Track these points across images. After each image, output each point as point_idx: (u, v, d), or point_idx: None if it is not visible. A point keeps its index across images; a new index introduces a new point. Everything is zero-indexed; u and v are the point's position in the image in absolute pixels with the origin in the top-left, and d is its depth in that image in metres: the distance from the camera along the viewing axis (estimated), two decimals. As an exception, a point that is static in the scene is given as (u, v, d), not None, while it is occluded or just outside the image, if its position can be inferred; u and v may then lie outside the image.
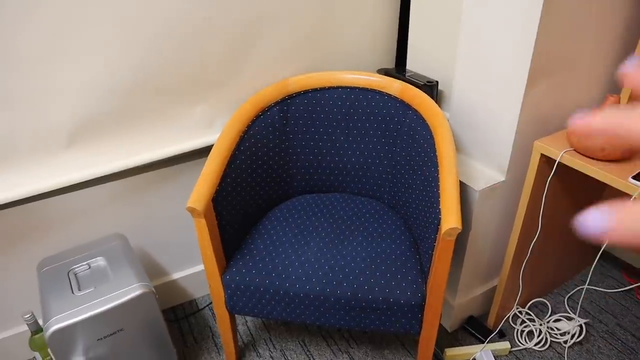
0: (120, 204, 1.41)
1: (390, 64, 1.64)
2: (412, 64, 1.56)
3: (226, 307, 1.25)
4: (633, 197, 0.99)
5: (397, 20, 1.56)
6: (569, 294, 1.63)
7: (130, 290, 1.15)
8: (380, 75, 1.38)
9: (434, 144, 1.24)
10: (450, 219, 0.99)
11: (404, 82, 1.36)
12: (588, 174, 1.08)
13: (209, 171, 1.17)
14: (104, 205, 1.39)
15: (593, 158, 1.09)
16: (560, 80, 1.20)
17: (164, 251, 1.56)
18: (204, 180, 1.15)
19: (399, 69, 1.58)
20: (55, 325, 1.07)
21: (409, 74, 1.50)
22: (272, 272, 1.19)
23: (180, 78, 1.31)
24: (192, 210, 1.09)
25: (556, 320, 1.51)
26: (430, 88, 1.41)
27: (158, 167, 1.42)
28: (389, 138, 1.39)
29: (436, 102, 1.46)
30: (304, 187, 1.49)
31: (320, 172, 1.47)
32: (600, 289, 1.65)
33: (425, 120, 1.29)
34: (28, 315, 1.21)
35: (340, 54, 1.52)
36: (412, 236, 1.29)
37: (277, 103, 1.38)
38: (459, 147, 1.41)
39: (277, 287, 1.18)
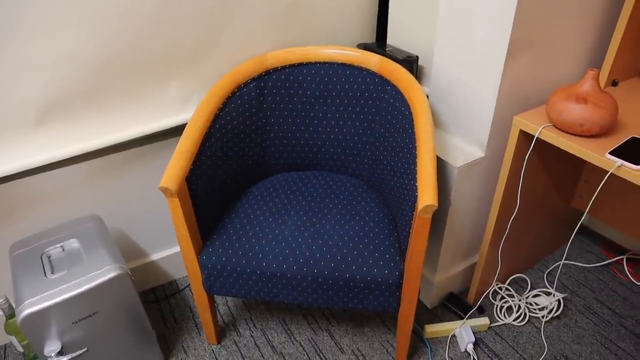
0: (95, 184, 1.38)
1: (370, 38, 1.60)
2: (393, 39, 1.53)
3: (204, 288, 1.24)
4: (609, 172, 0.99)
5: (377, -6, 1.52)
6: (549, 270, 1.64)
7: (104, 272, 1.13)
8: (359, 50, 1.35)
9: (412, 120, 1.22)
10: (426, 196, 0.98)
11: (383, 57, 1.33)
12: (566, 149, 1.07)
13: (182, 149, 1.14)
14: (78, 185, 1.35)
15: (572, 134, 1.08)
16: (541, 54, 1.18)
17: (142, 232, 1.54)
18: (176, 159, 1.12)
19: (379, 43, 1.55)
20: (27, 309, 1.05)
21: (389, 48, 1.47)
22: (248, 252, 1.18)
23: (153, 54, 1.26)
24: (164, 190, 1.07)
25: (535, 296, 1.52)
26: (410, 63, 1.38)
27: (133, 146, 1.38)
28: (368, 114, 1.37)
29: (416, 77, 1.44)
30: (282, 165, 1.46)
31: (299, 149, 1.45)
32: (578, 264, 1.66)
33: (403, 96, 1.27)
34: (2, 300, 1.18)
35: (319, 29, 1.48)
36: (391, 214, 1.28)
37: (254, 79, 1.34)
38: (439, 123, 1.39)
39: (254, 267, 1.16)
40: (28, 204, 1.30)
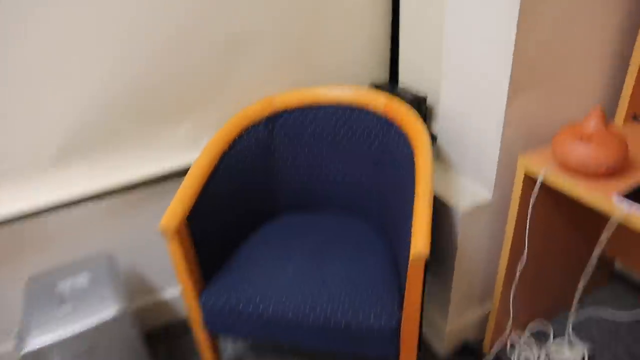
0: (110, 222, 1.42)
1: (384, 78, 1.61)
2: (405, 78, 1.53)
3: (204, 328, 1.24)
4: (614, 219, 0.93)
5: (389, 34, 1.53)
6: (574, 319, 1.53)
7: (105, 311, 1.15)
8: (366, 89, 1.35)
9: (414, 163, 1.20)
10: (418, 243, 0.95)
11: (390, 97, 1.33)
12: (569, 193, 1.01)
13: (184, 190, 1.17)
14: (94, 223, 1.40)
15: (578, 175, 1.03)
16: (546, 92, 1.14)
17: (154, 270, 1.57)
18: (177, 199, 1.15)
19: (391, 84, 1.55)
20: (28, 347, 1.08)
21: (400, 87, 1.47)
22: (247, 293, 1.17)
23: (165, 97, 1.32)
24: (164, 231, 1.09)
25: (557, 346, 1.42)
26: (418, 103, 1.37)
27: (146, 186, 1.43)
28: (376, 155, 1.36)
29: (425, 117, 1.42)
30: (290, 206, 1.47)
31: (307, 190, 1.45)
32: (608, 312, 1.54)
33: (407, 137, 1.25)
34: (14, 335, 1.23)
35: (331, 70, 1.51)
36: (396, 260, 1.25)
37: (261, 121, 1.37)
38: (449, 164, 1.36)
39: (252, 309, 1.15)
40: (45, 240, 1.36)
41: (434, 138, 1.40)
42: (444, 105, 1.29)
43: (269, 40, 1.37)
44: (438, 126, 1.35)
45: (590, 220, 1.39)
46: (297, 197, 1.45)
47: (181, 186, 1.18)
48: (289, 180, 1.43)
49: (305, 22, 1.39)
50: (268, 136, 1.38)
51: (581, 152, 0.98)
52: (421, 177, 1.09)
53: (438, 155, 1.40)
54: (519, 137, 1.17)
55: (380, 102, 1.33)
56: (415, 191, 1.08)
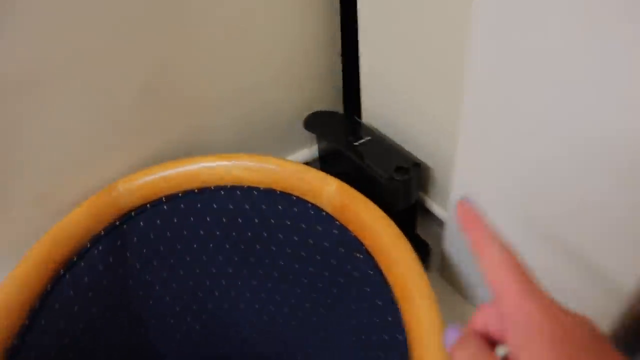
0: None
1: (334, 104, 0.93)
2: (371, 103, 0.86)
3: None
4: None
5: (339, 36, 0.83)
6: None
7: None
8: (293, 164, 0.69)
9: (400, 321, 0.58)
10: None
11: (342, 184, 0.67)
12: None
13: None
14: None
15: None
16: None
17: None
18: None
19: (348, 116, 0.88)
20: None
21: (365, 126, 0.81)
22: None
23: None
24: None
25: None
26: (405, 184, 0.71)
27: None
28: (317, 278, 0.73)
29: (414, 218, 0.78)
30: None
31: (197, 332, 0.82)
32: None
33: (383, 277, 0.62)
34: None
35: (226, 105, 0.82)
36: None
37: (98, 235, 0.70)
38: (455, 283, 0.75)
39: None
40: None
41: (424, 246, 0.78)
42: (461, 179, 0.65)
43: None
44: (449, 224, 0.72)
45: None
46: (183, 343, 0.82)
47: None
48: (168, 320, 0.79)
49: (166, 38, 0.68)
50: (116, 259, 0.72)
51: None
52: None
53: (438, 267, 0.78)
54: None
55: (327, 191, 0.67)
56: None
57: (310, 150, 0.93)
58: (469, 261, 0.72)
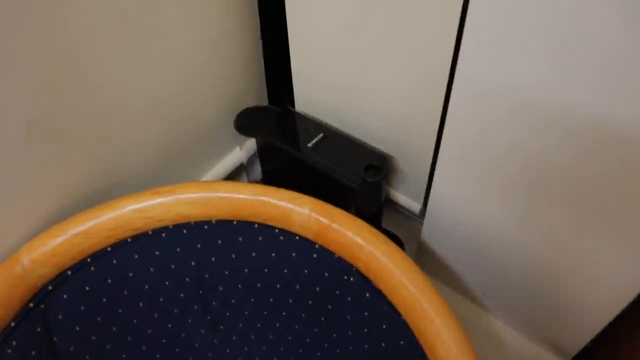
0: None
1: (258, 96, 0.80)
2: (304, 90, 0.75)
3: None
4: None
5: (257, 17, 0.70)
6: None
7: None
8: (251, 187, 0.57)
9: (416, 340, 0.51)
10: None
11: (315, 201, 0.56)
12: None
13: None
14: None
15: None
16: None
17: None
18: None
19: (281, 107, 0.77)
20: None
21: (300, 114, 0.70)
22: None
23: None
24: None
25: None
26: (377, 185, 0.63)
27: None
28: (299, 313, 0.63)
29: (381, 213, 0.70)
30: None
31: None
32: None
33: (387, 299, 0.54)
34: None
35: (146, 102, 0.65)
36: None
37: (8, 329, 0.52)
38: (473, 296, 0.71)
39: None
40: None
41: (396, 240, 0.71)
42: (443, 170, 0.59)
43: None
44: (430, 221, 0.66)
45: None
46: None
47: None
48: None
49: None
50: (39, 346, 0.55)
51: None
52: None
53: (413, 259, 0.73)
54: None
55: (297, 215, 0.56)
56: None
57: (246, 150, 0.80)
58: (450, 250, 0.68)
